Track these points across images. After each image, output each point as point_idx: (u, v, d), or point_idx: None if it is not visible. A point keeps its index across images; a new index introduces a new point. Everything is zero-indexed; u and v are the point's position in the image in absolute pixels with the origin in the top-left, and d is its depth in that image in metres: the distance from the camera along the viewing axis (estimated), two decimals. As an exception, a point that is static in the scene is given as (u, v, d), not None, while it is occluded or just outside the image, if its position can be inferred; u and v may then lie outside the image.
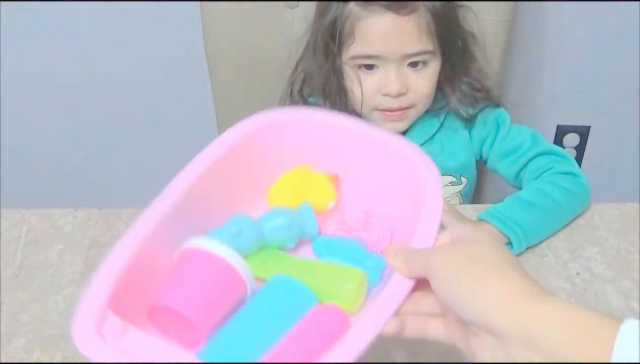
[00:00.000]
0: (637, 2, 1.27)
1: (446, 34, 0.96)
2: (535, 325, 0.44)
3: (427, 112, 1.01)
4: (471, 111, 1.02)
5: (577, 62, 1.38)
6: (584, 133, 1.47)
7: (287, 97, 1.06)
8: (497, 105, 1.04)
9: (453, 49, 0.99)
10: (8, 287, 0.80)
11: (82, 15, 1.30)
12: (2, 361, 0.74)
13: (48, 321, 0.76)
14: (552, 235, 0.87)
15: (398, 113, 0.98)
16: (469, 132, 1.02)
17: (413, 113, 0.99)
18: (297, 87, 1.06)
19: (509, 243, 0.84)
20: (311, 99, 1.06)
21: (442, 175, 0.95)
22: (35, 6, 1.28)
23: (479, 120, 1.02)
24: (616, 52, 1.35)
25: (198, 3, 1.09)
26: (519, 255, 0.84)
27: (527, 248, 0.84)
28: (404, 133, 1.02)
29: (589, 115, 1.46)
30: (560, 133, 1.47)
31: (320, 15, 0.99)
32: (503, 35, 1.11)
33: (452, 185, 1.04)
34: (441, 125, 1.02)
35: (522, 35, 1.30)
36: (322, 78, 1.00)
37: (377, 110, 0.98)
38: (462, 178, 1.04)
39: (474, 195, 1.14)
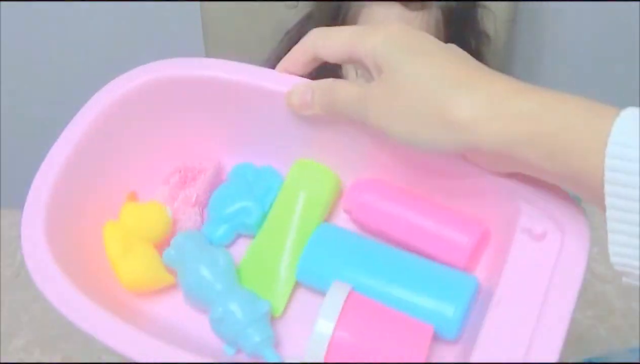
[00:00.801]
0: (637, 2, 1.27)
1: (457, 34, 0.93)
2: (534, 119, 0.39)
3: None
4: None
5: (577, 62, 1.38)
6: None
7: None
8: None
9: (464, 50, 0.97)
10: (8, 287, 0.80)
11: (81, 15, 1.30)
12: (2, 361, 0.74)
13: (48, 321, 0.76)
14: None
15: None
16: None
17: None
18: None
19: None
20: None
21: None
22: (35, 6, 1.28)
23: None
24: (616, 52, 1.35)
25: (198, 3, 1.09)
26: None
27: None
28: None
29: (589, 115, 1.45)
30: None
31: (319, 5, 0.97)
32: (503, 35, 1.11)
33: None
34: None
35: (522, 35, 1.30)
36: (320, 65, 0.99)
37: None
38: None
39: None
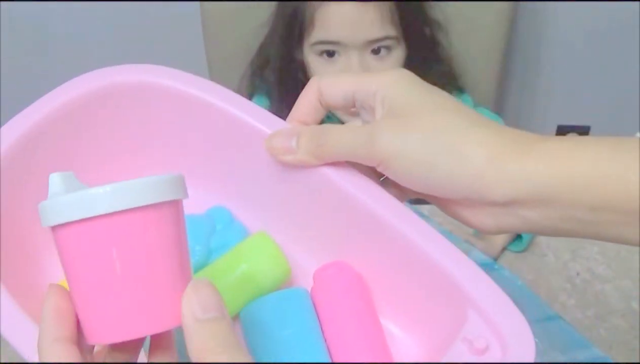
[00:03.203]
0: (637, 2, 1.27)
1: (410, 21, 0.95)
2: (546, 174, 0.37)
3: None
4: None
5: (576, 62, 1.38)
6: (584, 133, 1.47)
7: (247, 77, 1.07)
8: (460, 90, 1.04)
9: (419, 37, 0.98)
10: (8, 287, 0.80)
11: (81, 15, 1.30)
12: (2, 361, 0.74)
13: (48, 321, 0.76)
14: (552, 235, 0.87)
15: None
16: None
17: None
18: (255, 69, 1.06)
19: (518, 237, 0.84)
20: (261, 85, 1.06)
21: None
22: (34, 6, 1.28)
23: None
24: (616, 52, 1.35)
25: (198, 3, 1.09)
26: (521, 252, 0.84)
27: (527, 248, 0.85)
28: None
29: (589, 115, 1.46)
30: (560, 133, 1.47)
31: (282, 4, 0.99)
32: (503, 35, 1.11)
33: None
34: None
35: (522, 35, 1.30)
36: (279, 65, 1.00)
37: None
38: None
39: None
